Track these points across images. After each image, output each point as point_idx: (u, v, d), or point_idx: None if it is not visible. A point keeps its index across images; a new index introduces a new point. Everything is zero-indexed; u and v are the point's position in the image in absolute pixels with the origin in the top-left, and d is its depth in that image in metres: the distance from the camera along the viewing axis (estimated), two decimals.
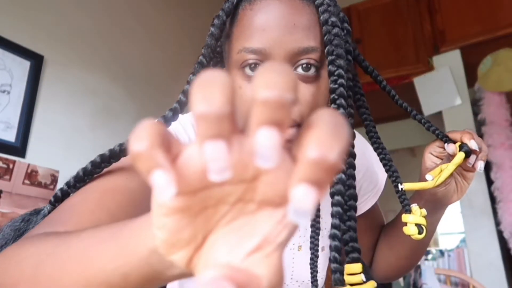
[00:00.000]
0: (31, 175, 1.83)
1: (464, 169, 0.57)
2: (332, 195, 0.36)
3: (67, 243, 0.31)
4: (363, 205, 0.66)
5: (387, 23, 2.42)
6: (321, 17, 0.45)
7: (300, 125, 0.45)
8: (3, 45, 1.83)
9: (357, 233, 0.39)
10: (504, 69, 1.97)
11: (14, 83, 1.86)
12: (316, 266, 0.56)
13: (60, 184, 1.95)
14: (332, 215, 0.35)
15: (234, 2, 0.49)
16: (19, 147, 1.83)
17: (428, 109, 2.18)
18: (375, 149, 0.56)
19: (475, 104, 2.10)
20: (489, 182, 1.94)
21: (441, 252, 2.29)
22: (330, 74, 0.42)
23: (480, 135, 2.02)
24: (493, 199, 1.92)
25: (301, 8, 0.46)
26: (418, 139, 3.20)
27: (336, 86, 0.41)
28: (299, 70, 0.46)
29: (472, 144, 0.53)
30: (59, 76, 2.08)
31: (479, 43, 2.09)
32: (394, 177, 0.54)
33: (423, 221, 0.50)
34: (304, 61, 0.46)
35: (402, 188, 0.53)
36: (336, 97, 0.41)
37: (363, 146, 0.65)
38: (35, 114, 1.93)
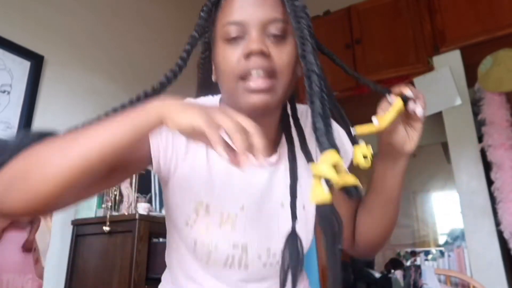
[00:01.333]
0: None
1: (409, 118, 0.64)
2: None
3: (86, 128, 0.53)
4: (348, 156, 0.72)
5: (387, 23, 2.42)
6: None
7: (274, 75, 0.58)
8: (3, 45, 1.83)
9: None
10: (504, 69, 1.96)
11: (14, 83, 1.86)
12: (296, 217, 0.60)
13: None
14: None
15: None
16: None
17: (428, 109, 2.17)
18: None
19: (475, 104, 2.10)
20: (489, 182, 1.94)
21: (441, 252, 2.29)
22: (296, 30, 0.56)
23: (480, 135, 2.02)
24: (493, 199, 1.92)
25: None
26: None
27: (303, 41, 0.54)
28: (270, 37, 0.59)
29: (407, 92, 0.62)
30: (59, 76, 2.08)
31: (479, 43, 2.09)
32: (346, 124, 0.63)
33: (368, 152, 0.55)
34: (273, 29, 0.59)
35: (354, 133, 0.60)
36: (304, 52, 0.54)
37: (338, 129, 0.72)
38: (35, 114, 1.93)
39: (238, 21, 0.59)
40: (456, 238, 2.78)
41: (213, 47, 0.65)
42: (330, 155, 0.46)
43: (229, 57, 0.60)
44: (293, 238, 0.57)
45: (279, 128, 0.68)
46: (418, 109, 0.63)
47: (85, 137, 0.49)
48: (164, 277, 0.75)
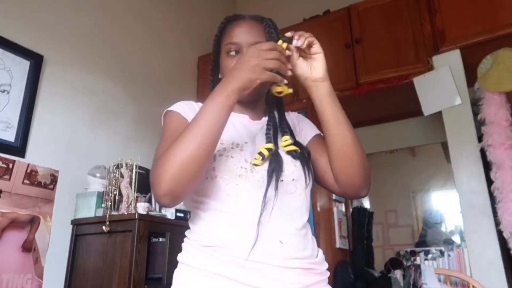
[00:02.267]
0: (30, 175, 1.83)
1: (306, 53, 0.84)
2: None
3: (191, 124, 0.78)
4: (312, 131, 1.01)
5: (387, 23, 2.42)
6: (265, 25, 0.96)
7: None
8: (3, 45, 1.83)
9: None
10: (504, 69, 1.96)
11: (14, 82, 1.86)
12: (277, 146, 0.89)
13: (60, 184, 1.95)
14: None
15: (224, 22, 1.00)
16: (19, 147, 1.83)
17: (428, 109, 2.18)
18: None
19: (475, 104, 2.10)
20: (489, 182, 1.94)
21: (441, 252, 2.29)
22: None
23: (480, 135, 2.02)
24: (493, 199, 1.92)
25: (255, 24, 0.96)
26: (418, 139, 3.20)
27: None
28: None
29: (286, 34, 0.83)
30: (59, 76, 2.08)
31: (479, 43, 2.09)
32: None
33: (283, 85, 0.85)
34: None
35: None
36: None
37: (298, 116, 1.06)
38: (35, 114, 1.93)
39: (235, 42, 0.94)
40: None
41: (220, 55, 0.99)
42: (266, 145, 0.86)
43: (229, 65, 0.93)
44: (277, 154, 0.86)
45: (265, 108, 1.00)
46: (298, 42, 0.82)
47: (203, 124, 0.75)
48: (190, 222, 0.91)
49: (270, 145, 0.86)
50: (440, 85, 2.14)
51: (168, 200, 0.75)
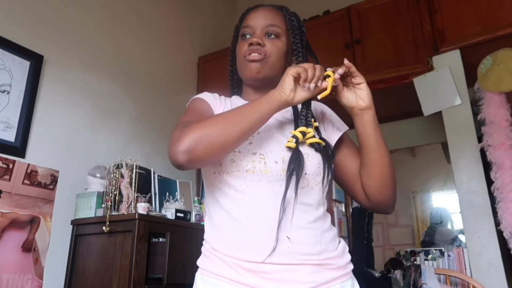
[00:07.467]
0: (30, 175, 1.83)
1: (349, 83, 0.87)
2: None
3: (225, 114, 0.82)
4: (341, 127, 0.98)
5: (387, 23, 2.41)
6: (285, 14, 0.98)
7: (265, 55, 0.92)
8: (2, 44, 1.83)
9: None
10: (504, 69, 1.96)
11: (14, 83, 1.86)
12: (298, 141, 0.86)
13: (60, 184, 1.95)
14: None
15: (245, 12, 1.03)
16: (19, 147, 1.83)
17: (428, 109, 2.18)
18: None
19: (475, 104, 2.10)
20: (489, 182, 1.94)
21: (441, 252, 2.29)
22: (292, 31, 0.96)
23: (480, 135, 2.02)
24: (493, 199, 1.92)
25: (272, 10, 0.98)
26: (418, 139, 3.20)
27: (294, 40, 0.96)
28: (270, 36, 0.95)
29: (328, 69, 0.84)
30: (59, 76, 2.08)
31: (479, 43, 2.09)
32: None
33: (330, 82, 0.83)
34: (270, 31, 0.95)
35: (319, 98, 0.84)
36: (295, 47, 0.95)
37: (321, 105, 1.02)
38: (35, 114, 1.93)
39: (249, 25, 0.97)
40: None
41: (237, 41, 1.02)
42: (300, 128, 0.85)
43: (242, 47, 0.96)
44: (297, 151, 0.83)
45: None
46: (336, 74, 0.83)
47: (245, 115, 0.79)
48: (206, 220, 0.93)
49: (304, 128, 0.85)
50: (440, 85, 2.14)
51: (183, 157, 0.74)
